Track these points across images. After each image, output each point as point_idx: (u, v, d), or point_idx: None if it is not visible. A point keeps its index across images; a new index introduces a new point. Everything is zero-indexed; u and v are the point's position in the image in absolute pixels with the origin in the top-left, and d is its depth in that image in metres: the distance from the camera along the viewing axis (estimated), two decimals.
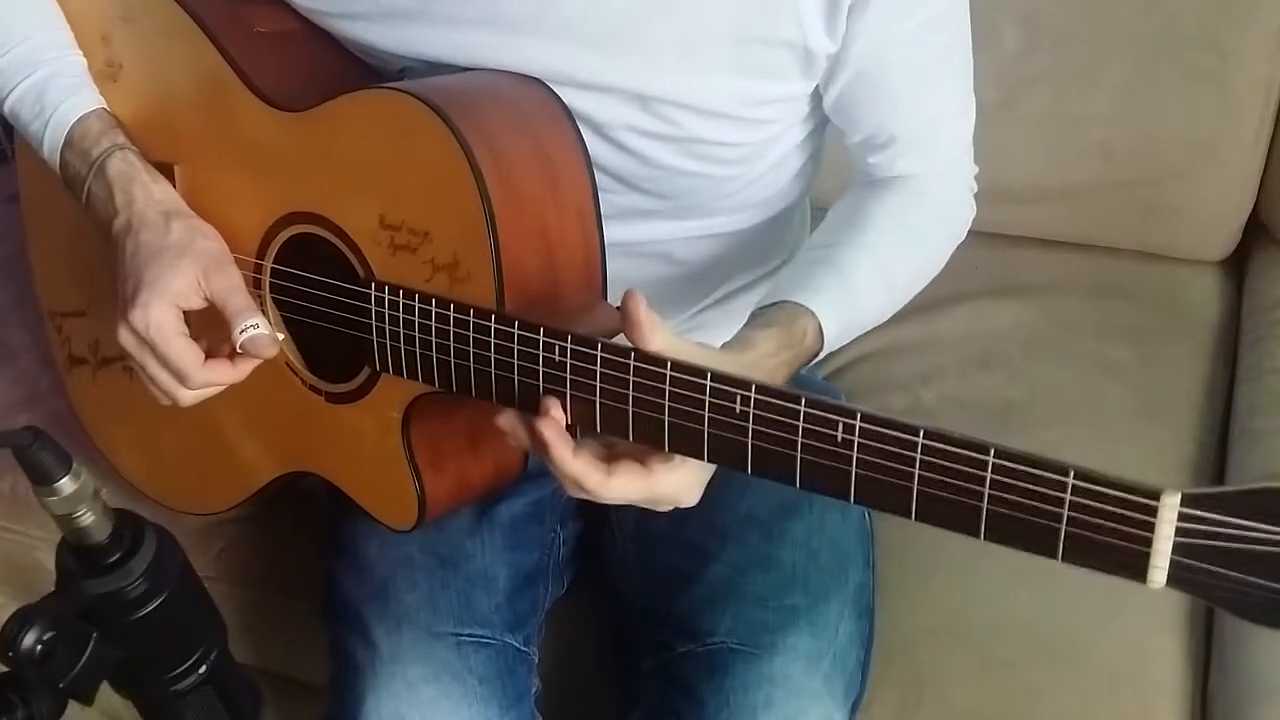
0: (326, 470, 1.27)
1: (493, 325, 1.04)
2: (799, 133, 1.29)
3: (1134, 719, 1.33)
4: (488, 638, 1.28)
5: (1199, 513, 0.80)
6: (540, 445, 1.01)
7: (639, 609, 1.34)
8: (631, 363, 0.98)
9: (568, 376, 1.01)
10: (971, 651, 1.37)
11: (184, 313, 1.17)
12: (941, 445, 0.87)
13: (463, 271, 1.09)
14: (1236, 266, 1.87)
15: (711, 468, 1.04)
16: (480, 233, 1.07)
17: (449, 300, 1.07)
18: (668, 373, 0.96)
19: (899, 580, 1.39)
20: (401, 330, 1.11)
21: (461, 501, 1.26)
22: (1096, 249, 1.87)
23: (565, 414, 1.02)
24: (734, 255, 1.36)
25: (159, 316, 1.15)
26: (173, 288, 1.16)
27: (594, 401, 1.00)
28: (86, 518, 0.92)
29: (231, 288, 1.18)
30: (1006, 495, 0.86)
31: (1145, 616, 1.38)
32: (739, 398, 0.94)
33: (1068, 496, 0.83)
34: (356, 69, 1.25)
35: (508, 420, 1.05)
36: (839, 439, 0.91)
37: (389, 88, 1.13)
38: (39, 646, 0.88)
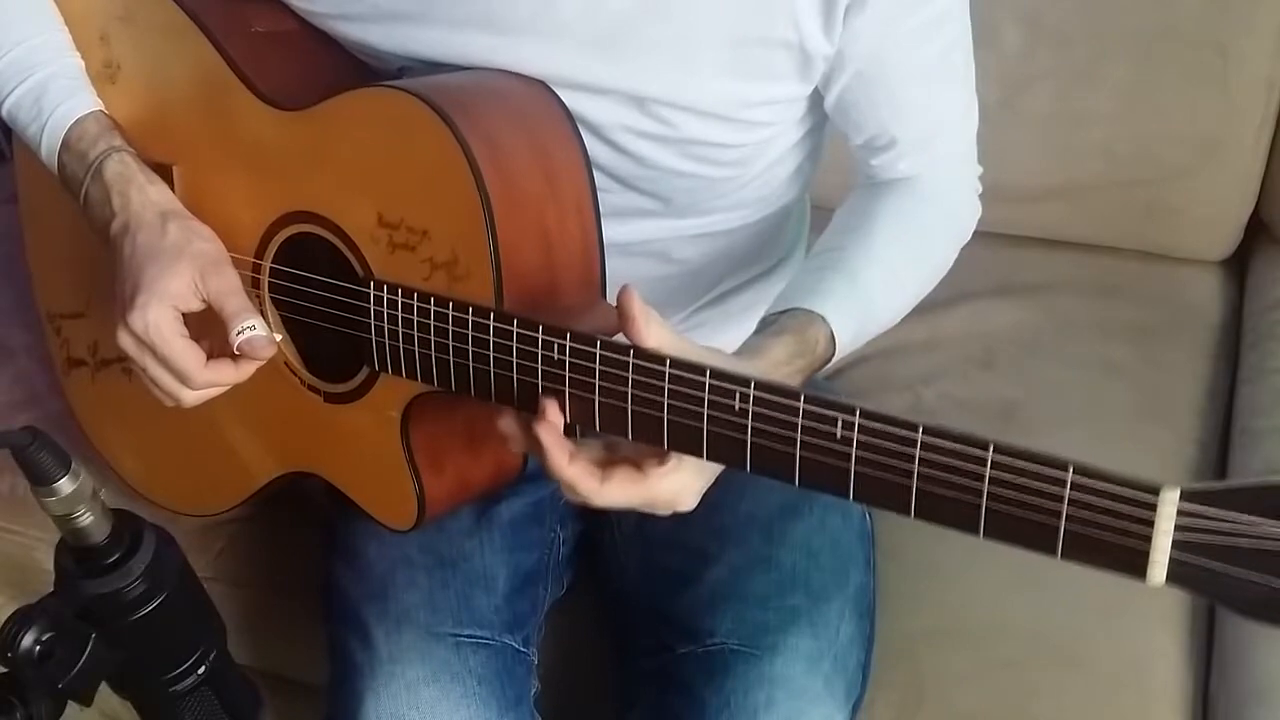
0: (325, 470, 1.27)
1: (491, 324, 1.04)
2: (796, 133, 1.29)
3: (1134, 719, 1.32)
4: (487, 638, 1.28)
5: (1199, 508, 0.79)
6: (537, 449, 1.01)
7: (639, 610, 1.34)
8: (630, 360, 0.98)
9: (566, 375, 1.01)
10: (972, 652, 1.37)
11: (185, 314, 1.17)
12: (940, 442, 0.87)
13: (461, 269, 1.09)
14: (1238, 266, 1.88)
15: (710, 474, 1.04)
16: (479, 231, 1.07)
17: (448, 299, 1.07)
18: (666, 370, 0.96)
19: (899, 581, 1.39)
20: (400, 329, 1.11)
21: (461, 501, 1.26)
22: (1097, 249, 1.87)
23: (564, 414, 1.02)
24: (732, 253, 1.36)
25: (157, 319, 1.15)
26: (170, 290, 1.16)
27: (593, 400, 1.00)
28: (85, 518, 0.92)
29: (228, 289, 1.18)
30: (1006, 492, 0.85)
31: (1146, 617, 1.38)
32: (738, 395, 0.94)
33: (1067, 492, 0.83)
34: (354, 68, 1.25)
35: (507, 424, 1.05)
36: (838, 436, 0.91)
37: (387, 86, 1.13)
38: (38, 647, 0.89)
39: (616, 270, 1.16)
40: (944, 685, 1.35)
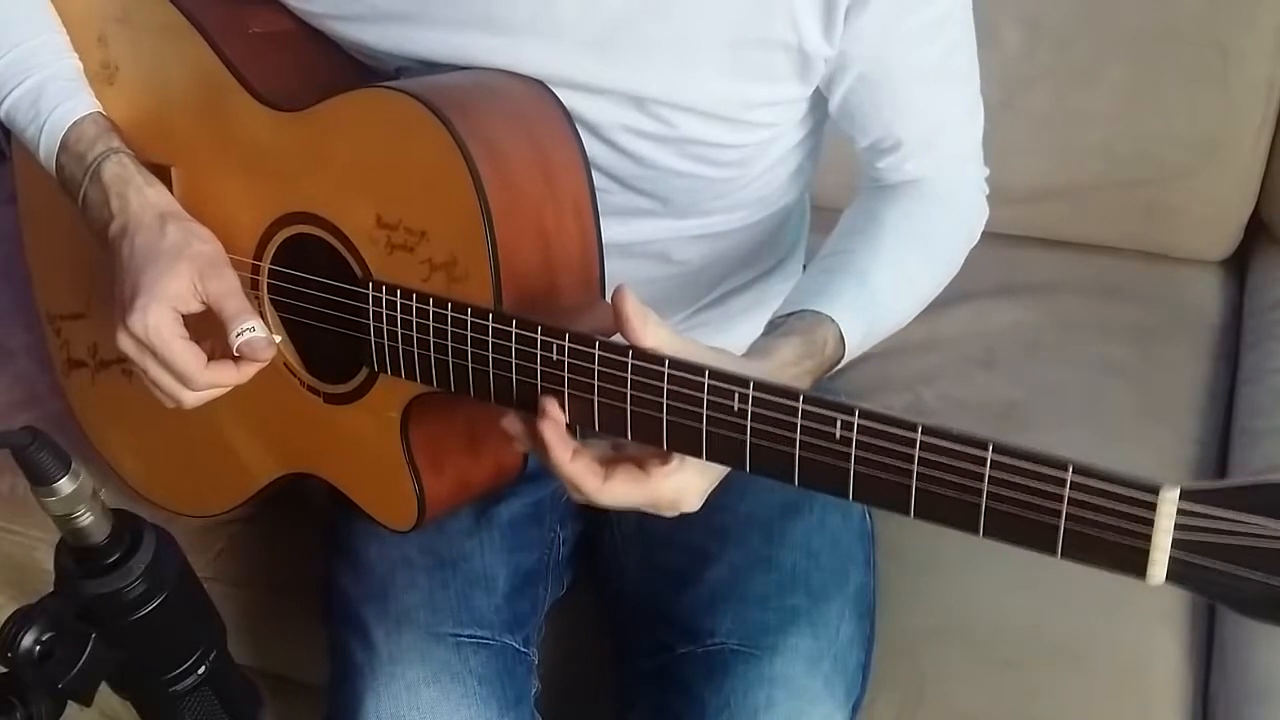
0: (325, 471, 1.27)
1: (490, 324, 1.04)
2: (797, 134, 1.29)
3: (1135, 719, 1.32)
4: (487, 638, 1.28)
5: (1198, 507, 0.79)
6: (540, 446, 1.01)
7: (639, 610, 1.34)
8: (629, 361, 0.97)
9: (565, 375, 1.01)
10: (972, 652, 1.37)
11: (185, 316, 1.17)
12: (940, 441, 0.87)
13: (460, 270, 1.09)
14: (1238, 266, 1.88)
15: (715, 475, 1.04)
16: (477, 231, 1.07)
17: (446, 299, 1.07)
18: (665, 370, 0.96)
19: (899, 581, 1.39)
20: (399, 330, 1.11)
21: (461, 502, 1.26)
22: (1098, 249, 1.87)
23: (564, 413, 1.02)
24: (732, 254, 1.36)
25: (157, 320, 1.15)
26: (169, 291, 1.16)
27: (592, 400, 1.00)
28: (85, 518, 0.92)
29: (227, 291, 1.18)
30: (1005, 491, 0.85)
31: (1146, 617, 1.38)
32: (737, 395, 0.94)
33: (1066, 492, 0.83)
34: (352, 68, 1.24)
35: (511, 423, 1.04)
36: (837, 436, 0.91)
37: (385, 87, 1.13)
38: (38, 647, 0.89)
39: (617, 271, 1.16)
40: (944, 685, 1.35)
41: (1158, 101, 1.77)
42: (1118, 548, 0.82)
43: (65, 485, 0.90)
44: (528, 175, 1.10)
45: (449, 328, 1.07)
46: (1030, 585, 1.35)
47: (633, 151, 1.20)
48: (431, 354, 1.09)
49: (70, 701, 0.92)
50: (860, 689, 1.29)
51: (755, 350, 1.10)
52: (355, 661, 1.27)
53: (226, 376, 1.18)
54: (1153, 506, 0.80)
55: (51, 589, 0.96)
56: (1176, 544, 0.80)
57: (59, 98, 1.25)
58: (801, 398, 0.92)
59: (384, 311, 1.12)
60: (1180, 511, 0.80)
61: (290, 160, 1.19)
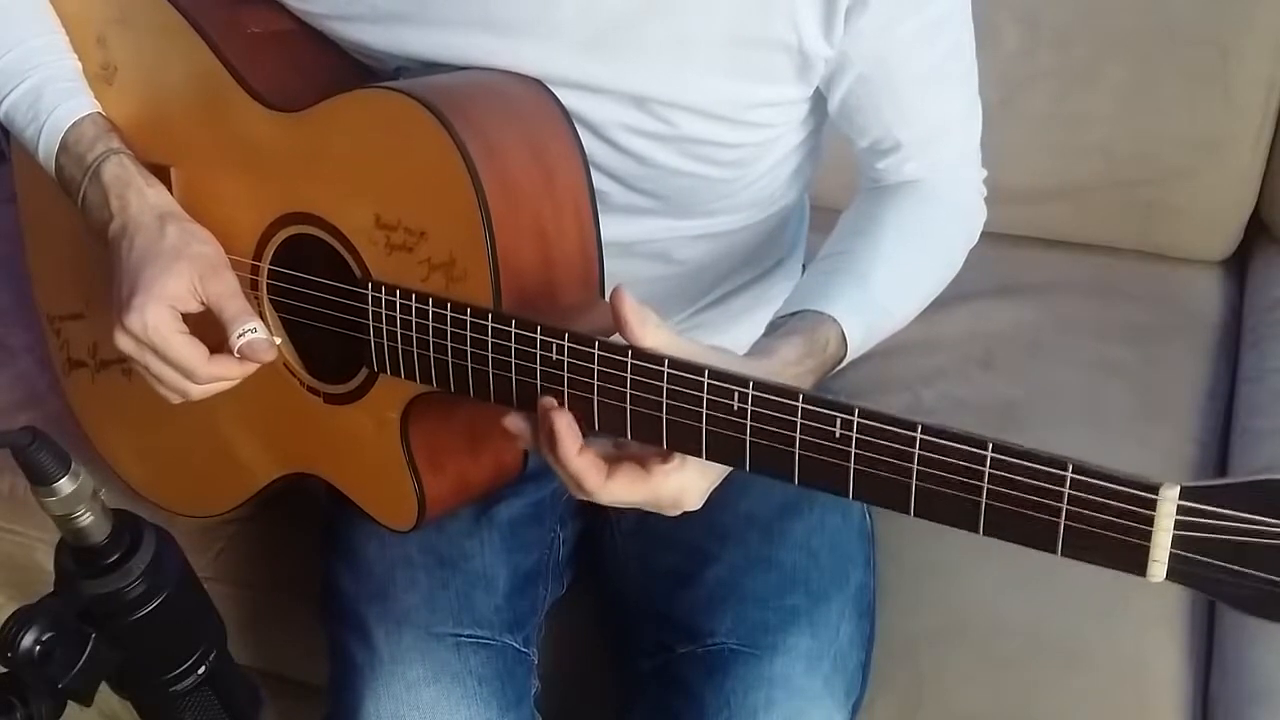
0: (325, 471, 1.27)
1: (490, 324, 1.04)
2: (797, 135, 1.29)
3: (1134, 719, 1.32)
4: (487, 638, 1.28)
5: (1198, 505, 0.80)
6: (549, 438, 1.00)
7: (639, 609, 1.33)
8: (629, 360, 0.97)
9: (565, 375, 1.01)
10: (972, 652, 1.36)
11: (182, 314, 1.17)
12: (939, 440, 0.87)
13: (459, 270, 1.09)
14: (1238, 266, 1.88)
15: (716, 474, 1.04)
16: (476, 231, 1.06)
17: (446, 299, 1.07)
18: (665, 370, 0.96)
19: (899, 581, 1.39)
20: (399, 330, 1.11)
21: (461, 502, 1.26)
22: (1097, 249, 1.87)
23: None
24: (732, 254, 1.36)
25: (155, 319, 1.15)
26: (168, 290, 1.16)
27: (592, 400, 1.00)
28: (85, 518, 0.92)
29: (227, 292, 1.18)
30: (1005, 489, 0.86)
31: (1146, 617, 1.38)
32: (736, 394, 0.94)
33: (1066, 490, 0.83)
34: (351, 68, 1.24)
35: (513, 422, 1.04)
36: (837, 435, 0.91)
37: (384, 87, 1.13)
38: (38, 647, 0.88)
39: (617, 270, 1.16)
40: (944, 685, 1.35)
41: (1157, 101, 1.77)
42: (1118, 545, 0.82)
43: (65, 485, 0.90)
44: (527, 175, 1.10)
45: (448, 328, 1.07)
46: (1030, 585, 1.35)
47: (633, 150, 1.20)
48: (431, 354, 1.09)
49: (70, 701, 0.92)
50: (860, 689, 1.29)
51: (757, 350, 1.10)
52: (355, 661, 1.27)
53: (230, 370, 1.18)
54: (1153, 505, 0.80)
55: (51, 589, 0.96)
56: (1177, 542, 0.81)
57: (58, 98, 1.25)
58: (801, 397, 0.92)
59: (383, 312, 1.12)
60: (1180, 510, 0.80)
61: (289, 160, 1.19)
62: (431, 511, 1.20)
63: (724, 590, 1.27)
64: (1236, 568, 0.79)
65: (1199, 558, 0.80)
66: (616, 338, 0.99)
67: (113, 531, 0.94)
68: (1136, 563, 0.82)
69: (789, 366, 1.08)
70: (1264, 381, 1.64)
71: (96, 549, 0.94)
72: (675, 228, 1.29)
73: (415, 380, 1.12)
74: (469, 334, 1.06)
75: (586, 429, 1.01)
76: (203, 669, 1.01)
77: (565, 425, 0.99)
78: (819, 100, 1.25)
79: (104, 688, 0.96)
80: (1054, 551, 0.85)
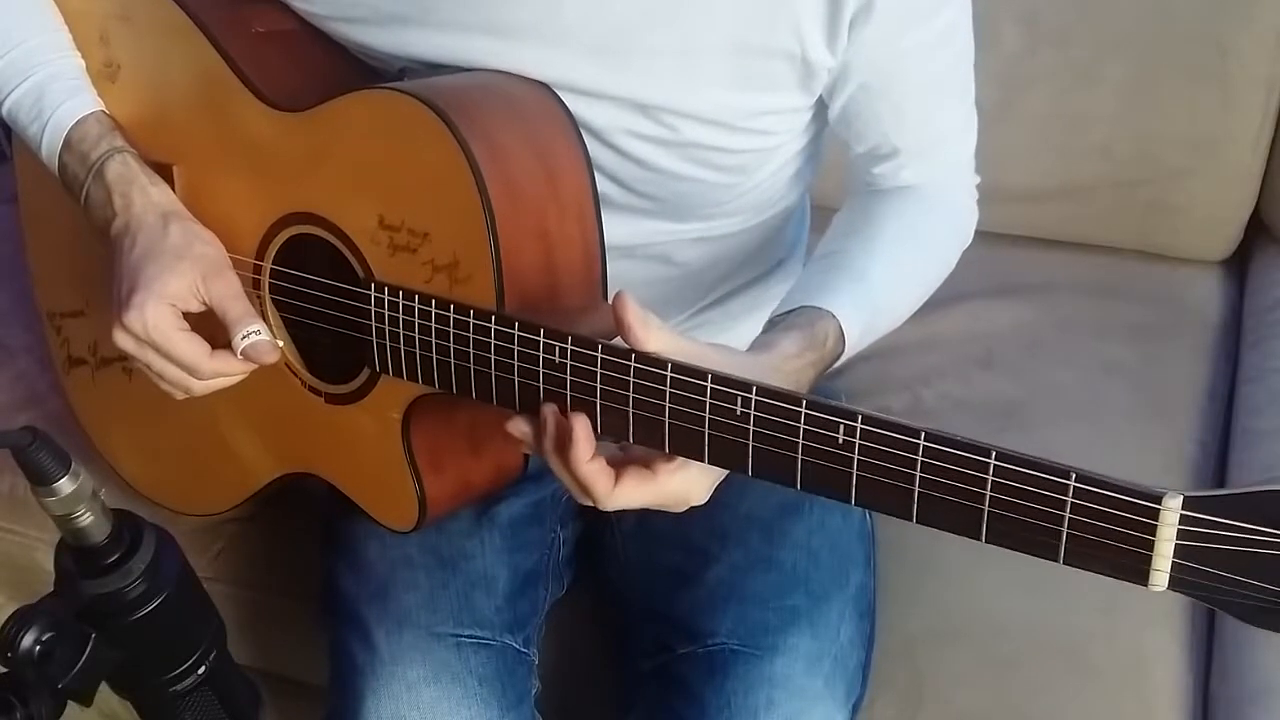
0: (326, 471, 1.27)
1: (493, 326, 1.04)
2: (799, 142, 1.29)
3: (1134, 719, 1.33)
4: (488, 639, 1.28)
5: (1201, 516, 0.80)
6: (561, 442, 1.00)
7: (639, 610, 1.34)
8: (632, 364, 0.98)
9: (568, 378, 1.01)
10: (972, 652, 1.37)
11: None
12: (942, 448, 0.87)
13: (462, 272, 1.09)
14: (1238, 266, 1.88)
15: (720, 469, 1.04)
16: (480, 233, 1.06)
17: (449, 301, 1.07)
18: (668, 374, 0.96)
19: (900, 581, 1.39)
20: (401, 331, 1.11)
21: (462, 502, 1.26)
22: (1097, 249, 1.87)
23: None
24: (733, 255, 1.36)
25: (156, 317, 1.15)
26: (169, 289, 1.16)
27: (595, 403, 1.00)
28: (85, 518, 0.92)
29: (231, 294, 1.18)
30: (1008, 498, 0.86)
31: (1146, 617, 1.38)
32: (740, 399, 0.94)
33: (1069, 499, 0.83)
34: (356, 69, 1.24)
35: (517, 425, 1.04)
36: (840, 441, 0.91)
37: (388, 88, 1.13)
38: (38, 647, 0.89)
39: (618, 272, 1.16)
40: (944, 685, 1.35)
41: (1157, 101, 1.77)
42: (1120, 555, 0.82)
43: (65, 485, 0.90)
44: (530, 177, 1.10)
45: (451, 329, 1.07)
46: (1031, 585, 1.35)
47: (635, 155, 1.20)
48: (433, 355, 1.09)
49: (70, 701, 0.92)
50: (860, 689, 1.29)
51: (757, 345, 1.11)
52: (355, 661, 1.27)
53: (232, 366, 1.18)
54: (1155, 515, 0.81)
55: (51, 589, 0.96)
56: (1179, 552, 0.81)
57: (62, 96, 1.25)
58: (804, 403, 0.92)
59: (386, 313, 1.12)
60: (1183, 520, 0.80)
61: (293, 160, 1.19)
62: (432, 512, 1.20)
63: (724, 590, 1.27)
64: (1238, 578, 0.80)
65: (1201, 568, 0.80)
66: (619, 341, 0.99)
67: (113, 531, 0.94)
68: (1138, 572, 0.82)
69: (789, 360, 1.09)
70: (1264, 381, 1.64)
71: (96, 549, 0.94)
72: (676, 230, 1.29)
73: (417, 381, 1.12)
74: (471, 336, 1.06)
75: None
76: (203, 669, 1.01)
77: (584, 432, 0.99)
78: (820, 108, 1.25)
79: (104, 688, 0.97)
80: (1056, 560, 0.85)
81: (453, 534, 1.31)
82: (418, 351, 1.10)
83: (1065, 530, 0.84)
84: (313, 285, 1.19)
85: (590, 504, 1.02)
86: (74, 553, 0.95)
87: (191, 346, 1.16)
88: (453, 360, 1.08)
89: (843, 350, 1.15)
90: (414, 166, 1.11)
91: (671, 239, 1.29)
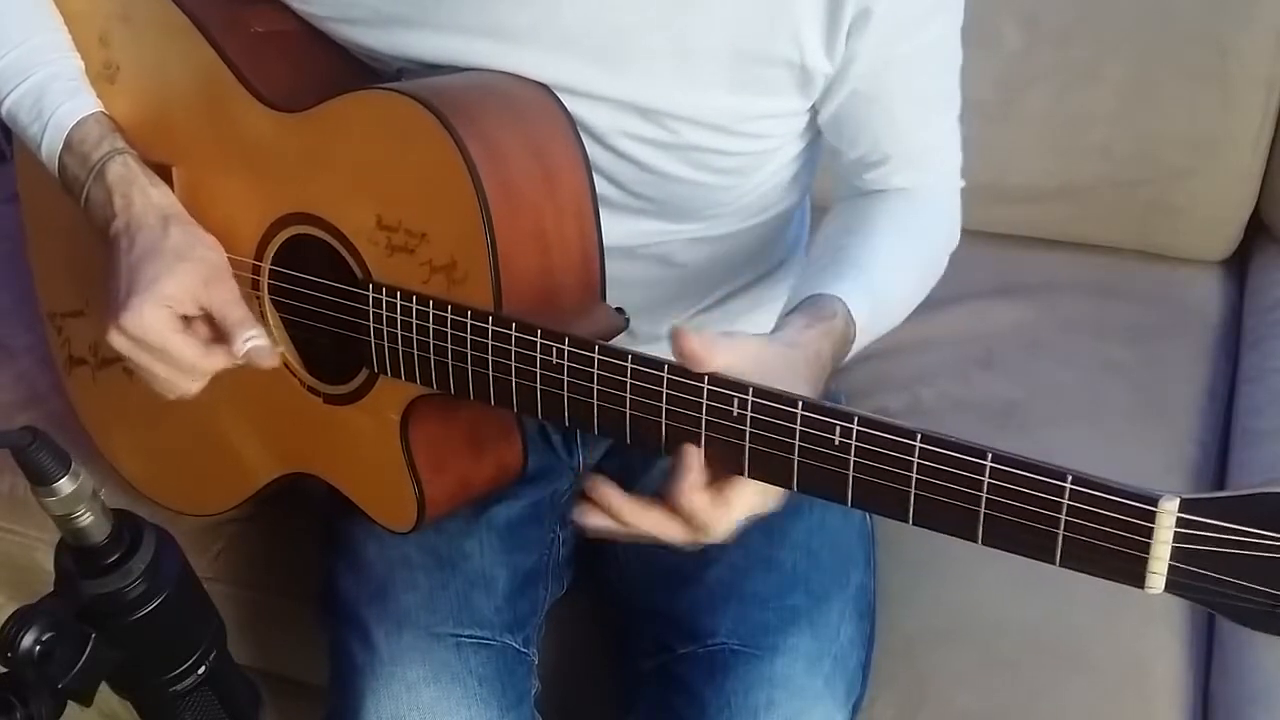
0: (325, 472, 1.27)
1: (490, 327, 1.04)
2: (797, 145, 1.29)
3: (1135, 719, 1.33)
4: (487, 639, 1.28)
5: (1198, 518, 0.80)
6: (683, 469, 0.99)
7: (639, 610, 1.34)
8: (629, 365, 0.98)
9: (565, 379, 1.01)
10: (972, 652, 1.37)
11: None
12: (939, 450, 0.88)
13: (460, 273, 1.09)
14: (1238, 266, 1.88)
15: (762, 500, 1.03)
16: (477, 234, 1.06)
17: (446, 301, 1.07)
18: (665, 375, 0.96)
19: (900, 581, 1.39)
20: (399, 332, 1.11)
21: (461, 503, 1.26)
22: (1097, 249, 1.87)
23: (566, 418, 1.01)
24: (733, 256, 1.36)
25: (153, 318, 1.15)
26: (167, 291, 1.16)
27: (591, 404, 1.00)
28: (85, 518, 0.92)
29: (231, 299, 1.18)
30: (1004, 500, 0.86)
31: (1147, 617, 1.38)
32: (736, 400, 0.94)
33: (1065, 502, 0.83)
34: (354, 69, 1.24)
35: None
36: (836, 443, 0.91)
37: (386, 88, 1.13)
38: (38, 647, 0.89)
39: (618, 272, 1.16)
40: (944, 685, 1.35)
41: (1157, 101, 1.77)
42: (1117, 558, 0.83)
43: (65, 485, 0.90)
44: (528, 178, 1.10)
45: (449, 330, 1.07)
46: (1031, 585, 1.35)
47: (633, 156, 1.20)
48: (431, 356, 1.09)
49: (70, 701, 0.92)
50: (860, 689, 1.29)
51: (772, 329, 1.12)
52: (355, 661, 1.27)
53: (226, 362, 1.18)
54: (1152, 518, 0.81)
55: (51, 589, 0.96)
56: (1176, 555, 0.81)
57: (62, 97, 1.25)
58: (800, 404, 0.92)
59: (384, 313, 1.12)
60: (1180, 523, 0.80)
61: (291, 161, 1.19)
62: (431, 513, 1.20)
63: (724, 590, 1.27)
64: (1236, 581, 0.80)
65: (1198, 571, 0.80)
66: (615, 342, 0.99)
67: (113, 531, 0.94)
68: (1135, 575, 0.82)
69: (803, 331, 1.09)
70: (1264, 381, 1.64)
71: (96, 549, 0.94)
72: (675, 231, 1.29)
73: (416, 382, 1.12)
74: (469, 336, 1.06)
75: (586, 432, 1.02)
76: (203, 669, 1.02)
77: (697, 460, 0.98)
78: (817, 112, 1.26)
79: (104, 687, 0.97)
80: (1052, 562, 0.85)
81: (452, 534, 1.31)
82: (416, 352, 1.10)
83: (1061, 533, 0.84)
84: (311, 286, 1.19)
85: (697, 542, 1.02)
86: (74, 553, 0.95)
87: (188, 348, 1.17)
88: (450, 361, 1.08)
89: (854, 333, 1.15)
90: (412, 167, 1.11)
91: (671, 239, 1.29)
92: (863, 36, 1.16)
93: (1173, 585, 0.82)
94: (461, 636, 1.28)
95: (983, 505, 0.86)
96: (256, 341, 1.17)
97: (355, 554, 1.33)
